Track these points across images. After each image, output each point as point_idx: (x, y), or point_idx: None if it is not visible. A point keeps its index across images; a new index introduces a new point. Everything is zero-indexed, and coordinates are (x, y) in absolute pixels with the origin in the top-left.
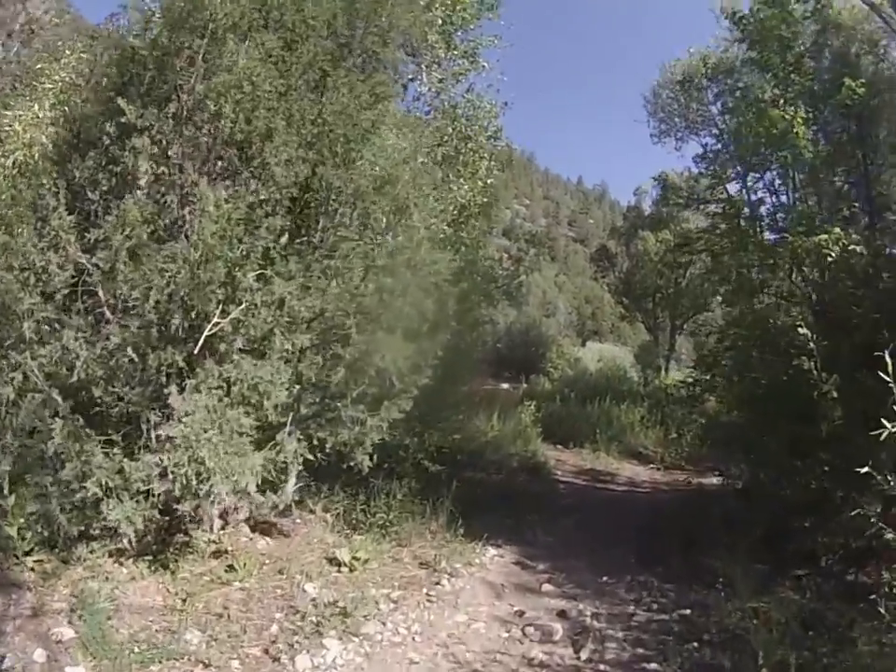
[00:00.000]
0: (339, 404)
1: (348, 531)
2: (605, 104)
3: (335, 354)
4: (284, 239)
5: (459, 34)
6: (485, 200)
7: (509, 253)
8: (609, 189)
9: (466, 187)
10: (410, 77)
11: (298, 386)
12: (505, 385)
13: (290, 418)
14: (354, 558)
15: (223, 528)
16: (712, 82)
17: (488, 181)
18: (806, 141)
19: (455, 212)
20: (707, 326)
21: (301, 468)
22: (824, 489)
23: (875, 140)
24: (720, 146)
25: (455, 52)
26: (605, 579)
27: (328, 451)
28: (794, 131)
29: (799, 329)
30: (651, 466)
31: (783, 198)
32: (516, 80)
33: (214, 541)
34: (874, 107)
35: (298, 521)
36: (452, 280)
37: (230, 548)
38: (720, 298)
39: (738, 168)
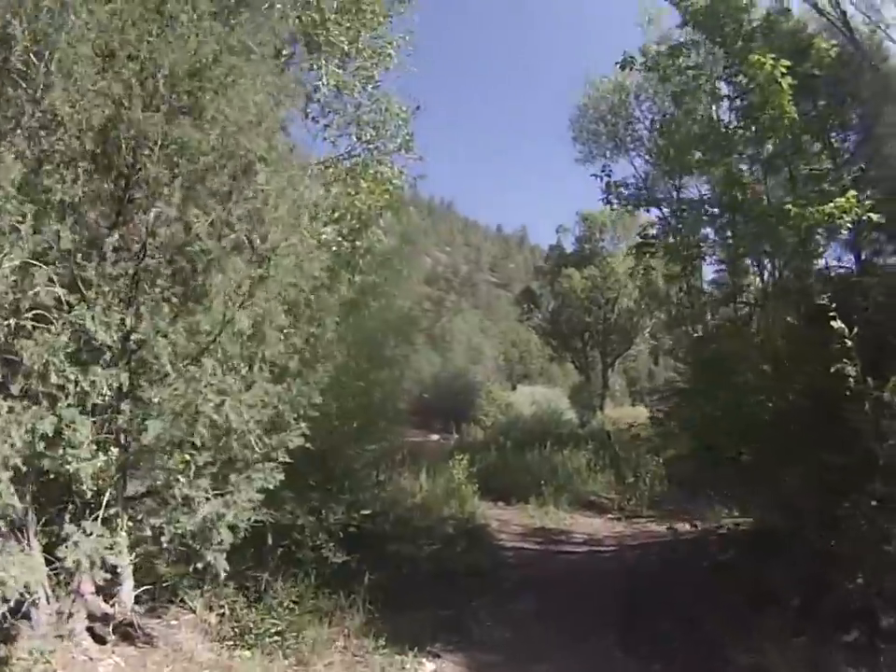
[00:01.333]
0: (170, 478)
1: (234, 639)
2: (521, 142)
3: (144, 399)
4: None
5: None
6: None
7: (429, 297)
8: (529, 234)
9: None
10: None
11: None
12: (435, 437)
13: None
14: None
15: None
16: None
17: (392, 189)
18: (789, 98)
19: (354, 220)
20: (637, 363)
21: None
22: (877, 528)
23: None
24: (648, 165)
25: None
26: None
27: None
28: (777, 82)
29: (834, 325)
30: (609, 516)
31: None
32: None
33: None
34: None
35: (173, 622)
36: (347, 305)
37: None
38: (647, 330)
39: (671, 181)
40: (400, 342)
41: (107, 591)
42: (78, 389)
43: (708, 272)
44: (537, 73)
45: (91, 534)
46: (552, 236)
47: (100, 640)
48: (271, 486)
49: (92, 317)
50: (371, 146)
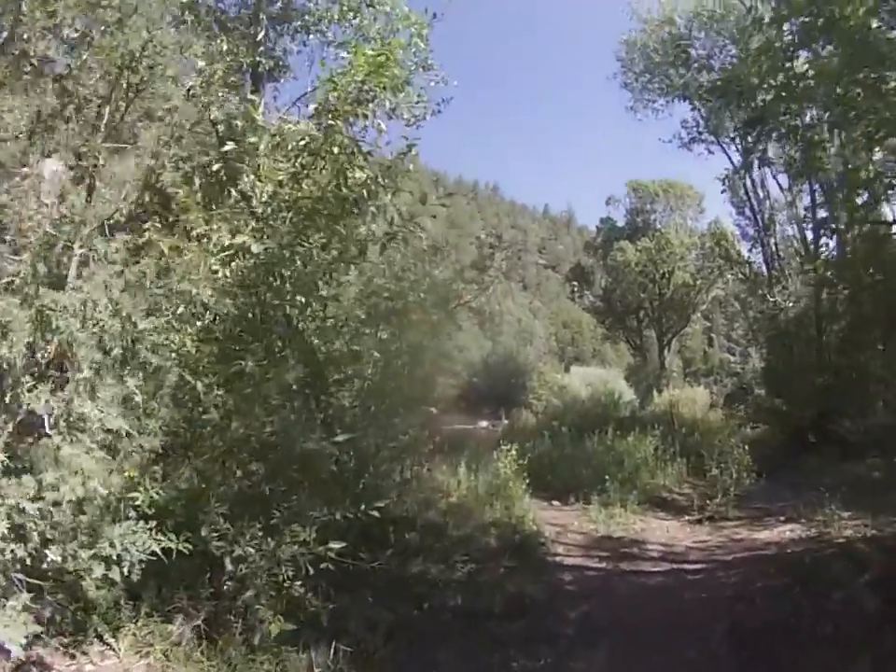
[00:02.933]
0: None
1: None
2: (566, 122)
3: None
4: None
5: None
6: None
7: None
8: (577, 215)
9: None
10: None
11: None
12: (483, 424)
13: None
14: None
15: None
16: None
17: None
18: None
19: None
20: (691, 343)
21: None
22: None
23: None
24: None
25: None
26: None
27: None
28: None
29: None
30: (687, 518)
31: None
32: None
33: None
34: None
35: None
36: None
37: None
38: (704, 306)
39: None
40: (440, 312)
41: None
42: None
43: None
44: (582, 48)
45: None
46: (598, 216)
47: None
48: None
49: None
50: None
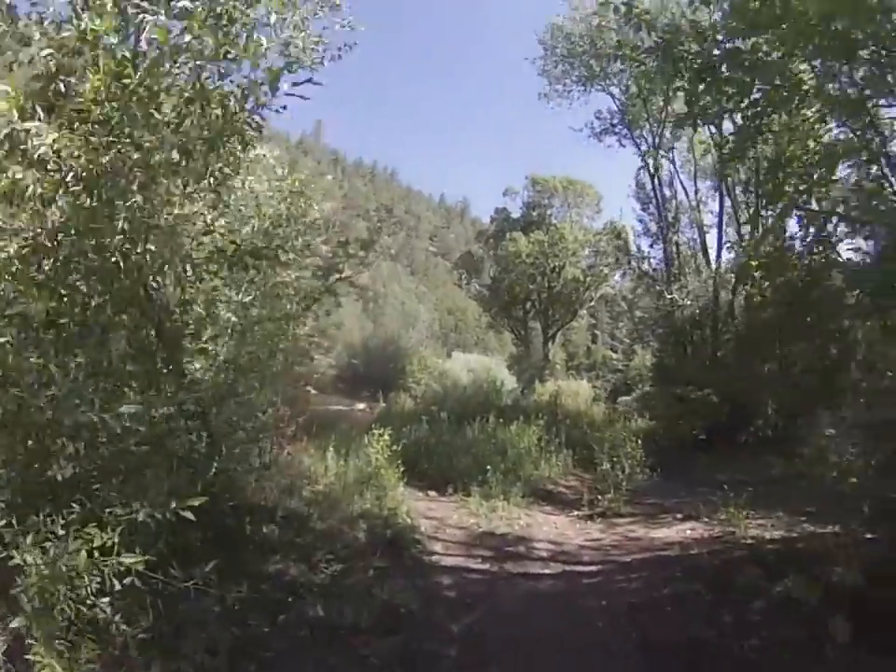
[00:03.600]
0: None
1: None
2: (470, 114)
3: None
4: None
5: None
6: None
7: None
8: (472, 207)
9: None
10: None
11: None
12: (360, 406)
13: None
14: None
15: None
16: None
17: None
18: None
19: None
20: (576, 338)
21: None
22: None
23: None
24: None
25: None
26: None
27: None
28: None
29: None
30: (577, 513)
31: None
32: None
33: None
34: None
35: None
36: None
37: None
38: (591, 303)
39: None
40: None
41: None
42: None
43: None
44: (488, 43)
45: None
46: (494, 209)
47: None
48: None
49: None
50: None
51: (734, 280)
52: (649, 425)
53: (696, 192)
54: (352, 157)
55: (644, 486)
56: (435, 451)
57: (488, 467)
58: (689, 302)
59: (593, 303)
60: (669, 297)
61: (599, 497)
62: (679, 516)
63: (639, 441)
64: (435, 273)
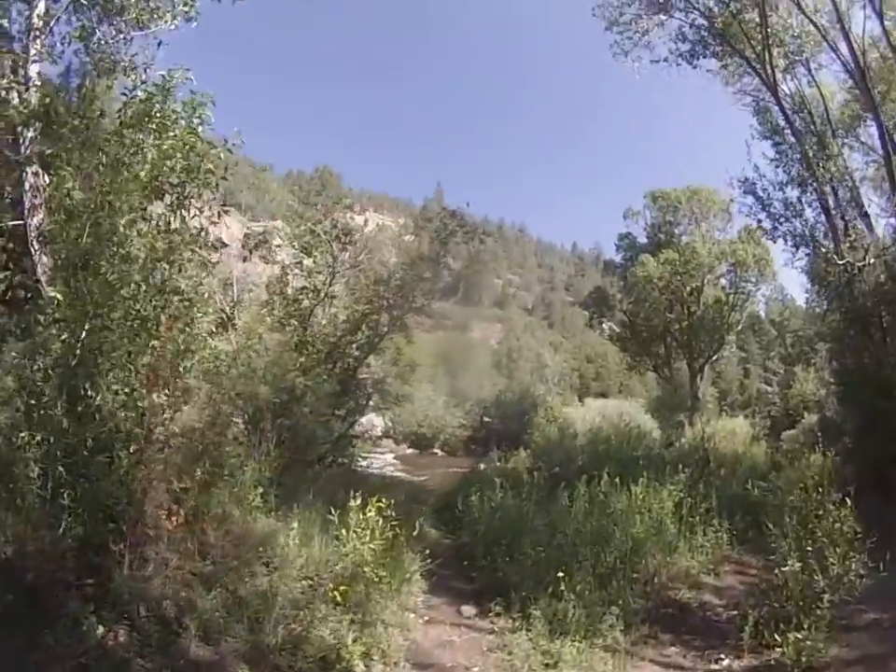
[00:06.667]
0: None
1: None
2: (591, 164)
3: None
4: None
5: None
6: None
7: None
8: (604, 252)
9: None
10: None
11: None
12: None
13: None
14: None
15: None
16: None
17: None
18: None
19: None
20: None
21: None
22: None
23: None
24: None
25: None
26: None
27: None
28: None
29: None
30: (726, 663)
31: None
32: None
33: None
34: None
35: None
36: None
37: None
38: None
39: None
40: None
41: None
42: None
43: None
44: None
45: None
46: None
47: None
48: None
49: None
50: None
51: None
52: (829, 464)
53: None
54: (478, 214)
55: (864, 589)
56: (497, 533)
57: (563, 568)
58: (872, 261)
59: (740, 327)
60: (842, 262)
61: (778, 622)
62: None
63: (847, 502)
64: (572, 322)
